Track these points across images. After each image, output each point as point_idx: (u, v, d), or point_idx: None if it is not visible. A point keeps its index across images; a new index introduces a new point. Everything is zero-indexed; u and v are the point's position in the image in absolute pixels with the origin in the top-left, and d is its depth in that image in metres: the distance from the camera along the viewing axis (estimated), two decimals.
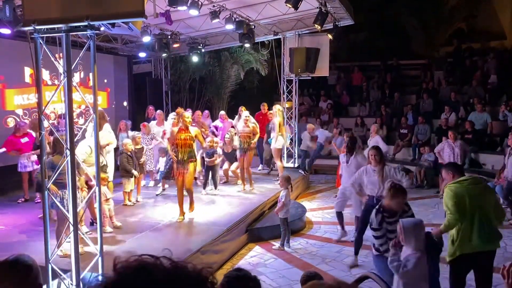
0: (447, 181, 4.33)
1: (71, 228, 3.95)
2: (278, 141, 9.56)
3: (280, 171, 9.40)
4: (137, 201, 7.90)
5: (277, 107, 9.85)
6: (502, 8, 17.81)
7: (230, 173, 9.73)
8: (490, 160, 10.69)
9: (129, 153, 7.51)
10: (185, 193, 7.02)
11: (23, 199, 7.96)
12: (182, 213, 6.81)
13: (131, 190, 7.68)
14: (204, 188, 8.53)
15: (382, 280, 1.89)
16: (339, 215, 6.92)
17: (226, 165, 9.57)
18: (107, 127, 7.11)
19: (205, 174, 8.69)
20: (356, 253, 5.87)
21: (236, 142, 9.18)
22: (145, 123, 9.16)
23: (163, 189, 8.50)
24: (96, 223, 5.37)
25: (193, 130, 6.83)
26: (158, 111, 9.72)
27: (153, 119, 9.65)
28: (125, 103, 12.52)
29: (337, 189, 9.52)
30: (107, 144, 6.91)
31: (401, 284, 3.48)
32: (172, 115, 8.32)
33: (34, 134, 7.90)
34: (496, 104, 12.60)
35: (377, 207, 4.25)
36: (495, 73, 13.81)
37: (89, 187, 5.47)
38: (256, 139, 8.97)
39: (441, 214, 6.36)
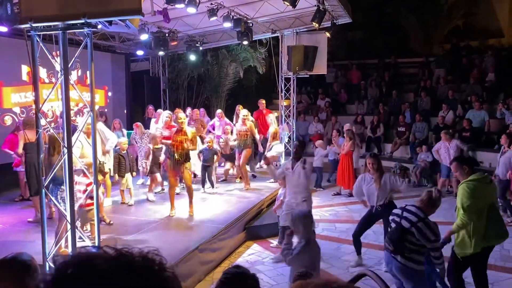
0: (460, 175, 4.24)
1: (69, 226, 3.94)
2: (274, 149, 9.47)
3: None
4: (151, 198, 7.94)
5: (270, 116, 9.84)
6: (500, 6, 17.85)
7: (230, 172, 9.74)
8: (487, 158, 10.71)
9: (123, 152, 7.46)
10: (178, 191, 7.14)
11: (20, 197, 7.93)
12: (173, 207, 6.97)
13: (129, 188, 7.66)
14: (203, 186, 8.54)
15: (380, 278, 1.89)
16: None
17: (228, 166, 9.60)
18: (99, 126, 7.08)
19: (201, 174, 8.69)
20: (359, 253, 5.77)
21: (231, 143, 9.19)
22: (138, 123, 8.98)
23: (162, 189, 8.49)
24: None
25: (190, 133, 6.82)
26: (159, 110, 9.70)
27: (153, 118, 9.63)
28: (122, 101, 12.49)
29: (337, 187, 9.57)
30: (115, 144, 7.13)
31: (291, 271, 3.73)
32: (166, 113, 8.26)
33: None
34: (494, 102, 12.64)
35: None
36: (493, 71, 13.84)
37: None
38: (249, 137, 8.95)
39: (440, 211, 6.36)
